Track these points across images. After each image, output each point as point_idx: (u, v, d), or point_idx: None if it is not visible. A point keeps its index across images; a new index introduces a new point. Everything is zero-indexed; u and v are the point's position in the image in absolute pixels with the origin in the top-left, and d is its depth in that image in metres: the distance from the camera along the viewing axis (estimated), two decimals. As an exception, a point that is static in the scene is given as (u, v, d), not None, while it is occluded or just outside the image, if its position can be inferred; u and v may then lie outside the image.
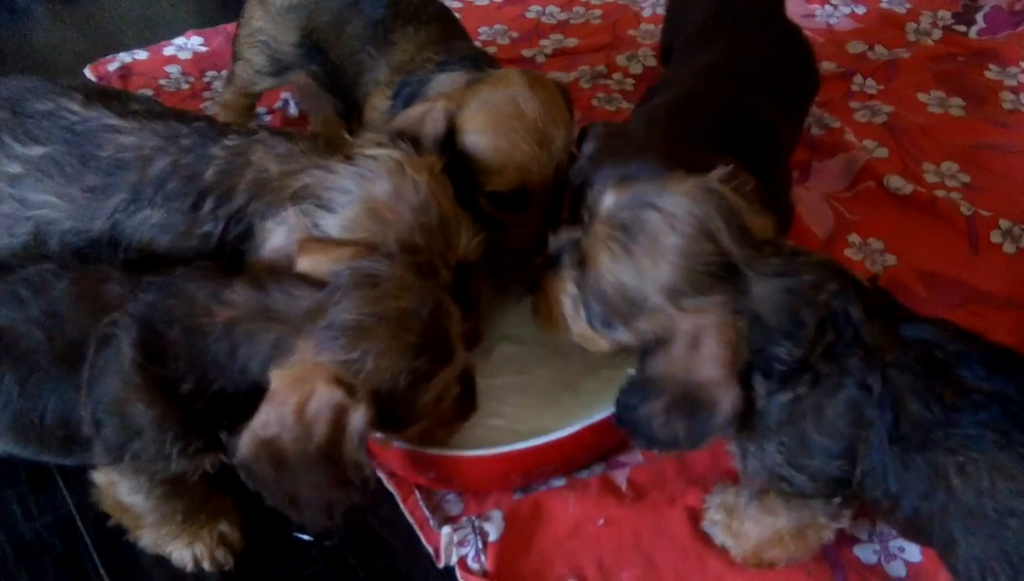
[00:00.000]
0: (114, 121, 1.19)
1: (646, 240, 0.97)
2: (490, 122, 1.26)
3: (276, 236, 1.11)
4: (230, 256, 1.14)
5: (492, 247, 1.25)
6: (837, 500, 1.03)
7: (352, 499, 0.98)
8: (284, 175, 1.14)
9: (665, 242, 0.96)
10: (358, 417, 0.95)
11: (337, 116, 1.73)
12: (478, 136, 1.26)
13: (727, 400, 0.95)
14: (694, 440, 0.98)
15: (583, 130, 1.29)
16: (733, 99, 1.34)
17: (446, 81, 1.35)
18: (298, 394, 0.94)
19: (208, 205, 1.15)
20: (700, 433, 0.97)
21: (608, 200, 1.02)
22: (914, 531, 1.00)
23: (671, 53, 1.64)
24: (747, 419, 0.98)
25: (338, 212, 1.11)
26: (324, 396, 0.94)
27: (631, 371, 1.03)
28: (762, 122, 1.35)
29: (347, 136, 1.21)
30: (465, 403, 1.11)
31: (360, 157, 1.14)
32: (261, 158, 1.16)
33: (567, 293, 1.08)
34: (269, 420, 0.95)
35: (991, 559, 0.89)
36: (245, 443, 0.96)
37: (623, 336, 1.02)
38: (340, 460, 0.96)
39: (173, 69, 2.01)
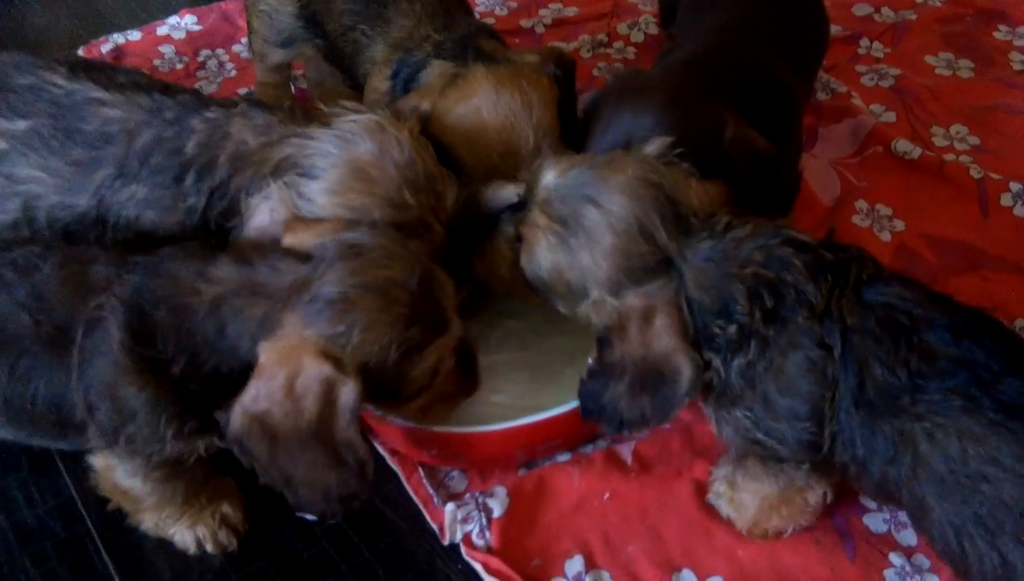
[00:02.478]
0: (99, 94, 1.17)
1: (585, 237, 1.00)
2: (455, 135, 1.22)
3: (260, 213, 1.09)
4: (215, 232, 1.13)
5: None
6: (806, 466, 1.02)
7: (349, 484, 0.96)
8: (263, 147, 1.12)
9: (604, 242, 0.99)
10: (348, 392, 0.93)
11: (347, 88, 1.69)
12: (445, 147, 1.22)
13: (687, 366, 0.97)
14: (663, 413, 1.00)
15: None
16: (749, 57, 1.31)
17: (436, 71, 1.31)
18: (287, 368, 0.93)
19: (190, 178, 1.13)
20: (667, 405, 0.99)
21: (547, 180, 1.04)
22: (884, 495, 1.00)
23: (672, 15, 1.61)
24: (710, 389, 1.00)
25: (321, 177, 1.09)
26: (313, 370, 0.92)
27: (589, 361, 1.04)
28: (779, 81, 1.32)
29: (321, 105, 1.18)
30: (466, 377, 1.09)
31: (339, 121, 1.12)
32: (239, 130, 1.14)
33: (506, 261, 1.15)
34: (259, 395, 0.94)
35: (966, 523, 0.89)
36: (236, 417, 0.94)
37: (562, 308, 1.06)
38: (332, 438, 0.94)
39: (167, 49, 1.98)
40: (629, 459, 1.24)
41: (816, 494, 1.08)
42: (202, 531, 1.16)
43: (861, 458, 0.95)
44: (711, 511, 1.18)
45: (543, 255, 1.03)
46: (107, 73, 1.23)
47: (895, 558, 1.13)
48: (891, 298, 0.95)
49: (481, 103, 1.23)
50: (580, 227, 1.00)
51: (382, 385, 0.98)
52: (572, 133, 1.27)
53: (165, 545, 1.18)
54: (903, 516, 1.16)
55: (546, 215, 1.02)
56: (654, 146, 1.06)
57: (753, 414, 0.98)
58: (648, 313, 0.97)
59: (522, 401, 1.22)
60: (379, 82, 1.41)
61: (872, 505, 1.18)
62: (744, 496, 1.11)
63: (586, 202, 1.00)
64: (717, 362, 0.98)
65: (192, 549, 1.17)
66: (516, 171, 1.24)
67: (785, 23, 1.42)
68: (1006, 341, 0.92)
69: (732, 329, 0.96)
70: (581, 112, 1.25)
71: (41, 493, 1.25)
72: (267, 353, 0.94)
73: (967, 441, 0.88)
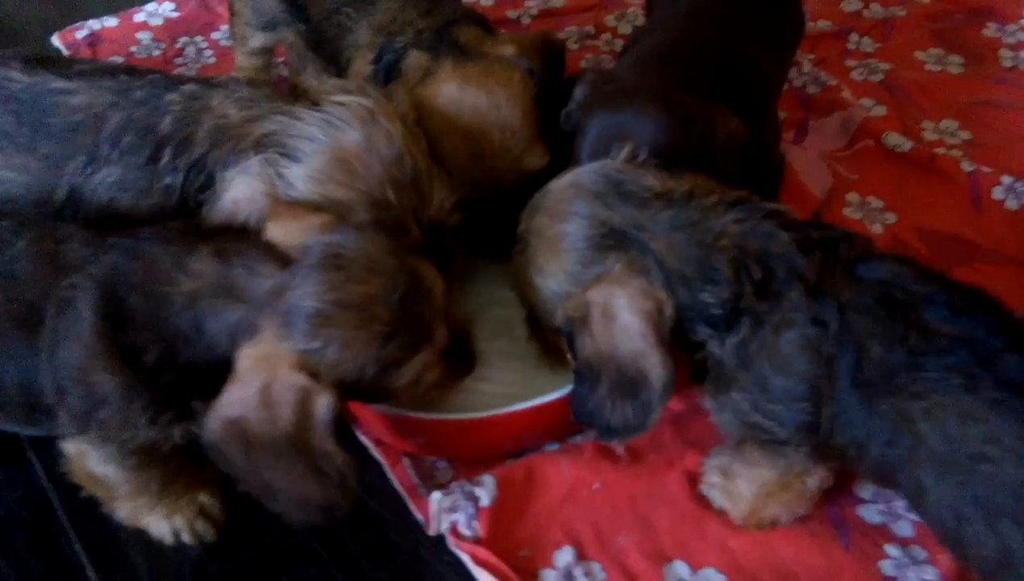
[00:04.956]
0: (61, 84, 1.13)
1: (536, 240, 1.02)
2: (426, 134, 1.18)
3: (237, 186, 1.05)
4: (193, 211, 1.09)
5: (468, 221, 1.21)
6: (804, 450, 1.00)
7: (329, 495, 0.93)
8: (245, 121, 1.08)
9: (550, 234, 1.00)
10: (323, 403, 0.91)
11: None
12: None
13: (655, 369, 0.94)
14: (642, 420, 0.97)
15: (572, 77, 1.23)
16: (720, 43, 1.29)
17: (413, 63, 1.28)
18: (262, 376, 0.90)
19: (167, 156, 1.09)
20: (645, 411, 0.96)
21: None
22: (882, 478, 0.98)
23: None
24: (706, 370, 0.98)
25: (304, 161, 1.05)
26: (288, 380, 0.90)
27: (570, 361, 1.02)
28: (750, 66, 1.30)
29: (312, 81, 1.15)
30: (460, 362, 1.05)
31: (328, 103, 1.08)
32: (221, 103, 1.10)
33: None
34: (234, 400, 0.91)
35: (964, 505, 0.87)
36: (213, 423, 0.92)
37: (559, 323, 1.03)
38: (309, 448, 0.92)
39: (144, 36, 1.94)
40: (620, 449, 1.21)
41: (816, 478, 1.05)
42: (179, 521, 1.12)
43: (860, 439, 0.92)
44: (703, 502, 1.15)
45: (522, 278, 1.04)
46: (65, 63, 1.20)
47: (891, 549, 1.11)
48: (886, 274, 0.92)
49: (447, 103, 1.20)
50: (532, 235, 1.02)
51: (362, 393, 0.96)
52: (557, 124, 1.24)
53: (141, 535, 1.13)
54: (898, 507, 1.14)
55: (518, 242, 1.05)
56: (626, 151, 1.04)
57: (750, 396, 0.95)
58: (608, 309, 0.95)
59: (512, 389, 1.18)
60: (362, 67, 1.38)
61: (867, 496, 1.16)
62: (740, 484, 1.08)
63: (534, 211, 1.03)
64: (712, 339, 0.95)
65: (168, 540, 1.13)
66: (486, 170, 1.21)
67: (755, 7, 1.40)
68: (1006, 318, 0.90)
69: (725, 296, 0.93)
70: (561, 125, 1.21)
71: (10, 482, 1.21)
72: (244, 358, 0.91)
73: (967, 420, 0.85)
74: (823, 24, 1.88)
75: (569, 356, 1.02)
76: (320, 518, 0.95)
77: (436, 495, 1.14)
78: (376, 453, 1.21)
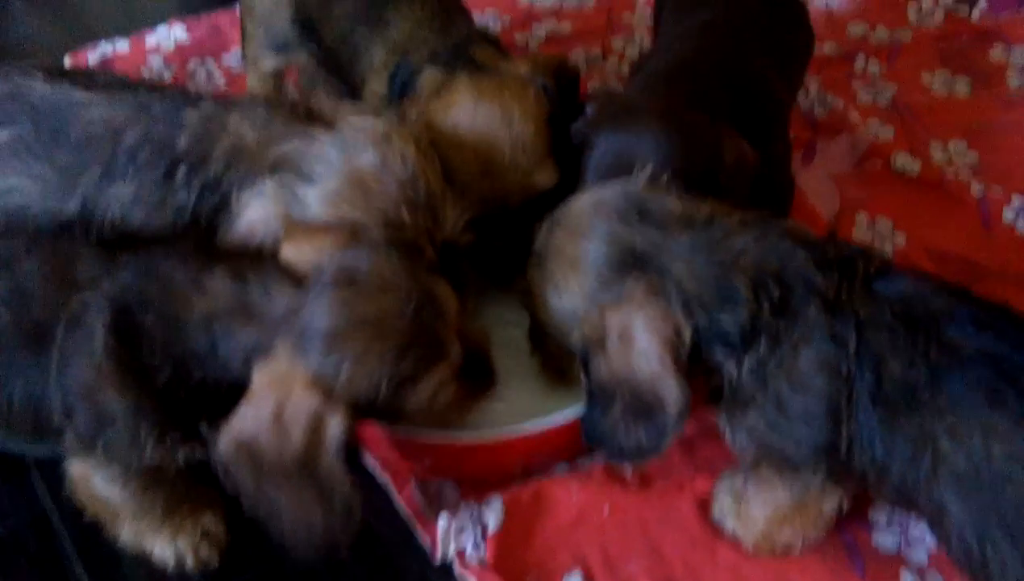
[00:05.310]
0: (82, 95, 1.13)
1: (554, 257, 1.00)
2: (437, 148, 1.17)
3: (253, 208, 1.05)
4: (205, 231, 1.08)
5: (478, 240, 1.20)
6: (821, 472, 0.98)
7: (333, 523, 0.92)
8: (262, 143, 1.08)
9: (569, 252, 0.98)
10: (335, 425, 0.90)
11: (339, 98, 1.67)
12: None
13: (671, 393, 0.92)
14: (656, 443, 0.95)
15: (587, 96, 1.24)
16: (733, 60, 1.29)
17: (428, 79, 1.28)
18: (276, 396, 0.90)
19: (181, 174, 1.09)
20: (659, 434, 0.95)
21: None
22: (902, 500, 0.95)
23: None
24: (722, 392, 0.96)
25: (319, 183, 1.05)
26: (301, 401, 0.89)
27: (584, 382, 1.00)
28: (762, 83, 1.30)
29: (325, 104, 1.14)
30: (479, 379, 1.04)
31: (343, 126, 1.08)
32: (237, 124, 1.10)
33: None
34: (247, 420, 0.90)
35: (989, 527, 0.84)
36: (224, 442, 0.91)
37: (574, 343, 1.01)
38: (317, 471, 0.91)
39: (155, 59, 1.95)
40: (629, 472, 1.19)
41: (832, 502, 1.04)
42: (182, 544, 1.11)
43: (881, 460, 0.90)
44: (715, 527, 1.13)
45: (538, 295, 1.02)
46: (87, 76, 1.20)
47: (906, 575, 1.09)
48: (906, 290, 0.91)
49: (460, 116, 1.20)
50: (551, 251, 1.01)
51: (377, 412, 0.95)
52: (569, 144, 1.24)
53: (143, 559, 1.12)
54: (914, 533, 1.13)
55: (534, 257, 1.03)
56: (645, 173, 1.03)
57: (767, 416, 0.94)
58: (627, 331, 0.94)
59: (521, 410, 1.16)
60: (377, 86, 1.39)
61: (882, 522, 1.14)
62: (753, 508, 1.06)
63: (553, 227, 1.02)
64: (728, 360, 0.94)
65: (171, 563, 1.12)
66: (494, 186, 1.21)
67: (765, 26, 1.40)
68: None
69: (743, 317, 0.92)
70: (572, 139, 1.21)
71: (13, 504, 1.20)
72: (259, 378, 0.91)
73: (991, 438, 0.83)
74: (830, 47, 1.88)
75: (582, 376, 1.00)
76: (322, 545, 0.94)
77: (443, 519, 1.12)
78: (383, 476, 1.20)
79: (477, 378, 1.03)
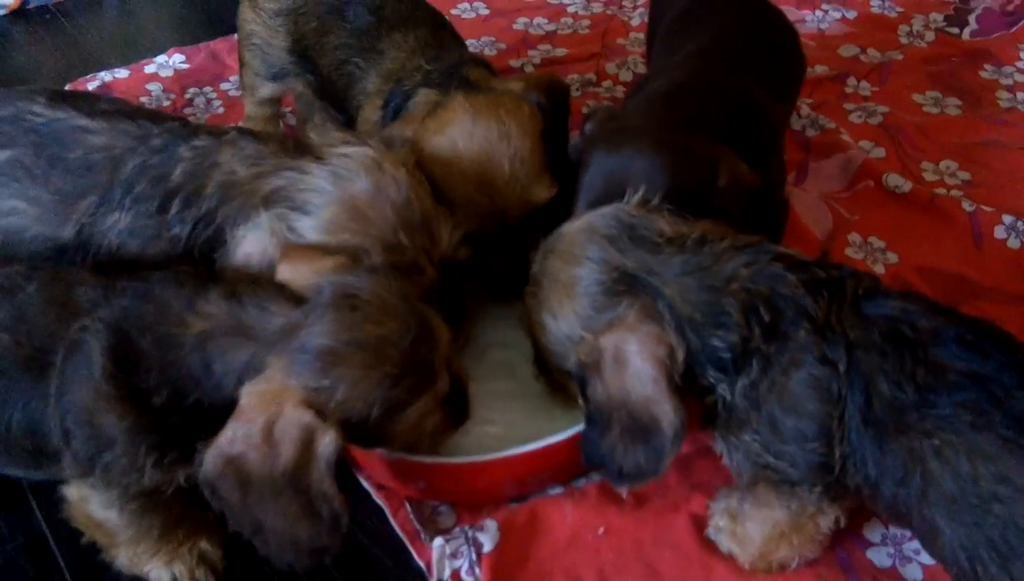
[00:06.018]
0: (83, 121, 1.15)
1: (549, 283, 1.02)
2: (433, 165, 1.20)
3: (248, 242, 1.07)
4: (197, 261, 1.09)
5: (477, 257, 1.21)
6: (818, 490, 0.98)
7: (321, 537, 0.92)
8: (253, 178, 1.10)
9: (563, 277, 1.00)
10: (328, 442, 0.91)
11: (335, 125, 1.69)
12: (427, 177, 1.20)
13: (666, 415, 0.93)
14: (654, 465, 0.96)
15: (587, 116, 1.25)
16: (730, 85, 1.31)
17: (422, 99, 1.30)
18: (267, 413, 0.90)
19: (175, 207, 1.11)
20: (657, 456, 0.95)
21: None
22: (898, 518, 0.97)
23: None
24: (716, 414, 0.97)
25: (314, 214, 1.07)
26: (293, 417, 0.90)
27: (581, 404, 1.01)
28: (758, 109, 1.32)
29: (313, 136, 1.16)
30: (456, 411, 1.06)
31: (333, 156, 1.10)
32: (228, 160, 1.11)
33: None
34: (236, 437, 0.91)
35: (978, 547, 0.85)
36: (210, 459, 0.91)
37: (571, 367, 1.02)
38: (307, 487, 0.91)
39: (154, 87, 1.97)
40: (624, 493, 1.20)
41: (828, 519, 1.04)
42: (179, 568, 1.11)
43: (873, 479, 0.91)
44: (710, 546, 1.13)
45: (534, 320, 1.04)
46: (89, 101, 1.21)
47: (901, 593, 1.09)
48: (894, 311, 0.92)
49: (457, 133, 1.22)
50: (546, 277, 1.02)
51: (363, 436, 0.96)
52: (563, 160, 1.26)
53: (139, 583, 1.12)
54: (908, 550, 1.13)
55: (531, 283, 1.05)
56: (638, 195, 1.05)
57: (761, 437, 0.94)
58: (620, 354, 0.95)
59: (514, 431, 1.18)
60: (371, 113, 1.41)
61: (876, 539, 1.14)
62: (750, 526, 1.07)
63: (548, 254, 1.03)
64: (721, 383, 0.95)
65: (167, 588, 1.12)
66: (494, 201, 1.22)
67: (759, 52, 1.42)
68: (1018, 354, 0.89)
69: (734, 340, 0.93)
70: (569, 156, 1.23)
71: (10, 529, 1.20)
72: (248, 396, 0.91)
73: (978, 459, 0.84)
74: (821, 69, 1.90)
75: (580, 400, 1.01)
76: (308, 561, 0.94)
77: (438, 541, 1.12)
78: (378, 499, 1.20)
79: (456, 408, 1.05)
